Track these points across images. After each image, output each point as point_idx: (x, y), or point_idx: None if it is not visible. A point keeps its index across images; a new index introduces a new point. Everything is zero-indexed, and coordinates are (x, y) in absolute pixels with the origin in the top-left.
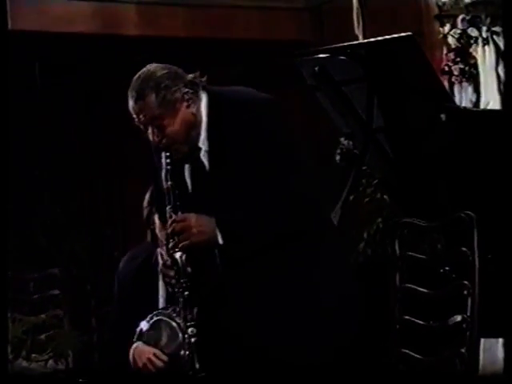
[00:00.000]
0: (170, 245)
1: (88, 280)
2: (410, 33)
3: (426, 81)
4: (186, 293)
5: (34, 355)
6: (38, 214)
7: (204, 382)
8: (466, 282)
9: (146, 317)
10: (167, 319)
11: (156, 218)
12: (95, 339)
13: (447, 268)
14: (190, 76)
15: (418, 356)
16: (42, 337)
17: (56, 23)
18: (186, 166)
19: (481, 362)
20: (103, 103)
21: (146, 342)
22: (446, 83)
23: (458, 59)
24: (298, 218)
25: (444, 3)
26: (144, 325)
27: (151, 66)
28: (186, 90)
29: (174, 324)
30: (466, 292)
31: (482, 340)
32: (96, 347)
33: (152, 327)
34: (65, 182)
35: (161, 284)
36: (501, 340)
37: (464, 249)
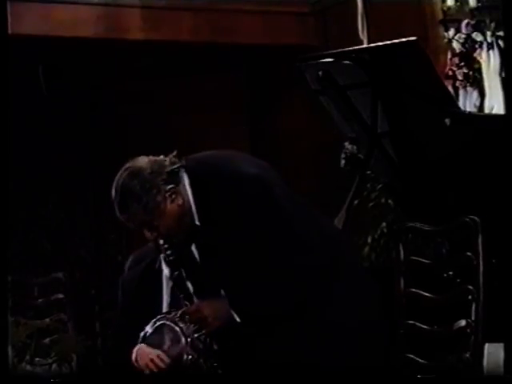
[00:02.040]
0: (193, 329)
1: (92, 284)
2: (414, 37)
3: (431, 85)
4: (220, 371)
5: (37, 359)
6: (42, 218)
7: None
8: (470, 287)
9: (150, 322)
10: (170, 323)
11: None
12: (99, 343)
13: (451, 273)
14: (168, 165)
15: (422, 361)
16: (46, 341)
17: (60, 27)
18: (194, 246)
19: (485, 366)
20: (107, 107)
21: (150, 345)
22: (450, 88)
23: (463, 64)
24: (304, 289)
25: (449, 8)
26: (148, 329)
27: (130, 167)
28: (168, 187)
29: (177, 328)
30: (470, 297)
31: (486, 344)
32: (100, 351)
33: (155, 331)
34: (69, 187)
35: (165, 289)
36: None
37: (468, 253)
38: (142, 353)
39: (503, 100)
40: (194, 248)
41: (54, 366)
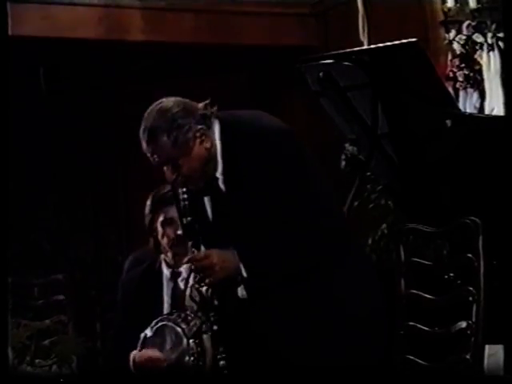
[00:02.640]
0: (195, 279)
1: (92, 285)
2: (415, 39)
3: (431, 87)
4: (215, 327)
5: (37, 361)
6: (42, 219)
7: None
8: (470, 288)
9: (150, 324)
10: (172, 325)
11: (158, 225)
12: (100, 345)
13: (452, 274)
14: (201, 109)
15: (422, 362)
16: (46, 342)
17: (60, 29)
18: (206, 199)
19: (485, 367)
20: (108, 109)
21: (151, 347)
22: (450, 89)
23: (463, 65)
24: (320, 249)
25: (449, 9)
26: (148, 331)
27: (162, 103)
28: (198, 126)
29: (178, 329)
30: (470, 298)
31: (487, 346)
32: (100, 353)
33: (156, 333)
34: (69, 188)
35: (165, 290)
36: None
37: (469, 255)
38: (141, 354)
39: (503, 101)
40: (206, 200)
41: (54, 367)
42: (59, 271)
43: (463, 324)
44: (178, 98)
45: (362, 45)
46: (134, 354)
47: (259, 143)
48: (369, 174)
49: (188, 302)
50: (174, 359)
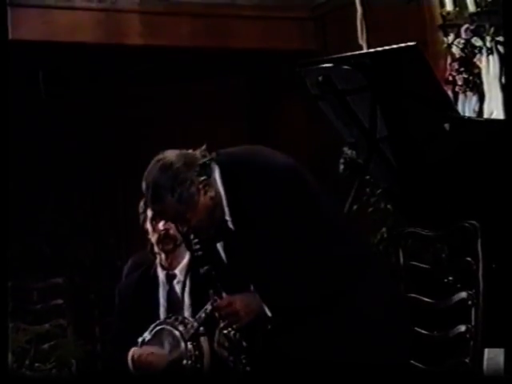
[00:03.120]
0: (222, 325)
1: (91, 289)
2: (414, 42)
3: (430, 90)
4: (248, 368)
5: (37, 364)
6: (41, 223)
7: None
8: (470, 292)
9: (148, 328)
10: (170, 328)
11: (148, 224)
12: (99, 348)
13: (451, 278)
14: (199, 158)
15: (422, 366)
16: (46, 346)
17: (59, 33)
18: (219, 244)
19: (484, 371)
20: (107, 112)
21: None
22: (449, 93)
23: (462, 69)
24: (337, 279)
25: (448, 13)
26: (146, 335)
27: (162, 159)
28: (200, 178)
29: (176, 332)
30: (469, 301)
31: (486, 349)
32: (99, 356)
33: (154, 336)
34: (68, 192)
35: (161, 294)
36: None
37: (468, 258)
38: (138, 353)
39: (503, 105)
40: (219, 246)
41: (53, 371)
42: (58, 275)
43: (462, 328)
44: (177, 152)
45: (361, 48)
46: (133, 350)
47: (260, 181)
48: (368, 177)
49: (218, 349)
50: (171, 362)
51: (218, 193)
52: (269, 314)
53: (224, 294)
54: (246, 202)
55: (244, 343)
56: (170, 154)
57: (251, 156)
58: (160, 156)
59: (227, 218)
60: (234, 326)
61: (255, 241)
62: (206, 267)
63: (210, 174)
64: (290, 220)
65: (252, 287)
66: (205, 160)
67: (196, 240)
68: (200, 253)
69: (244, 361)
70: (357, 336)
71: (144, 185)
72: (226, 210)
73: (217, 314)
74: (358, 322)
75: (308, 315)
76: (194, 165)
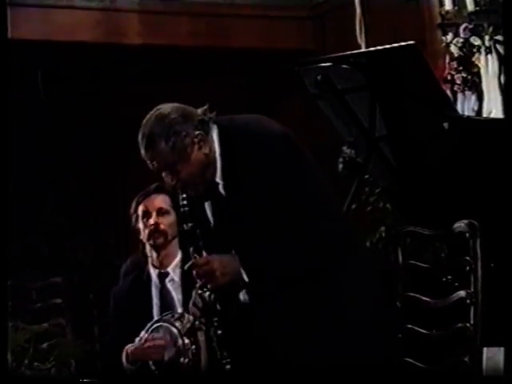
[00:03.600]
0: (198, 285)
1: (91, 289)
2: (412, 42)
3: (429, 89)
4: (219, 331)
5: (36, 364)
6: (40, 222)
7: None
8: (468, 291)
9: (146, 326)
10: (167, 325)
11: (139, 222)
12: (98, 348)
13: (450, 277)
14: (199, 114)
15: (420, 365)
16: (45, 345)
17: (58, 32)
18: (207, 204)
19: (484, 370)
20: (106, 112)
21: None
22: (448, 92)
23: (461, 68)
24: (319, 251)
25: (447, 12)
26: (143, 334)
27: (160, 109)
28: (197, 132)
29: (173, 329)
30: (468, 301)
31: (485, 348)
32: (99, 356)
33: (151, 334)
34: (68, 191)
35: (154, 294)
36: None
37: (467, 257)
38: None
39: (502, 104)
40: (207, 205)
41: (52, 370)
42: (57, 274)
43: (461, 326)
44: (176, 104)
45: (360, 48)
46: (128, 346)
47: (257, 147)
48: (367, 176)
49: (191, 308)
50: (169, 359)
51: (212, 152)
52: (245, 278)
53: (204, 254)
54: (239, 166)
55: (218, 306)
56: (169, 105)
57: (250, 123)
58: (159, 107)
59: (218, 180)
60: (209, 286)
61: (243, 206)
62: (190, 224)
63: (207, 131)
64: (281, 189)
65: (233, 251)
66: (203, 117)
67: (184, 195)
68: (186, 209)
69: (216, 324)
70: (337, 313)
71: (140, 134)
72: (219, 171)
73: (194, 272)
74: (340, 300)
75: (285, 286)
76: (192, 118)
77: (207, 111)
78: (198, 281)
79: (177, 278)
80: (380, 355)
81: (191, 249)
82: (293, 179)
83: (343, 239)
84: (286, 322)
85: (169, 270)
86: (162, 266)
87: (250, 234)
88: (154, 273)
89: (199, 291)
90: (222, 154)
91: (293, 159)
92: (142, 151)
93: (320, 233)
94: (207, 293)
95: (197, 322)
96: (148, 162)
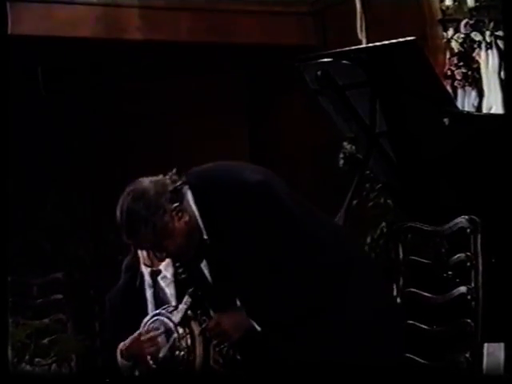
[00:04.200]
0: (214, 343)
1: (91, 284)
2: (413, 37)
3: (429, 85)
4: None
5: (37, 359)
6: (41, 218)
7: None
8: (469, 287)
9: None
10: (162, 318)
11: None
12: (98, 343)
13: (450, 272)
14: (170, 184)
15: (421, 360)
16: (45, 341)
17: (59, 28)
18: (203, 264)
19: (484, 366)
20: (106, 107)
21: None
22: (448, 87)
23: (461, 63)
24: (321, 288)
25: (447, 7)
26: (141, 329)
27: (132, 192)
28: (172, 205)
29: (167, 321)
30: (469, 296)
31: (486, 344)
32: (99, 351)
33: (148, 330)
34: (68, 187)
35: (148, 293)
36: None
37: (468, 253)
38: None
39: (502, 99)
40: (203, 265)
41: (53, 366)
42: (58, 270)
43: (462, 322)
44: (147, 181)
45: (360, 43)
46: (121, 345)
47: (232, 199)
48: (367, 172)
49: (213, 365)
50: (165, 352)
51: (192, 216)
52: (258, 328)
53: (212, 313)
54: (220, 220)
55: (238, 357)
56: (140, 184)
57: (222, 173)
58: (131, 187)
59: (206, 237)
60: (227, 345)
61: (235, 257)
62: (191, 289)
63: (182, 199)
64: (266, 234)
65: (238, 302)
66: (175, 185)
67: (178, 264)
68: (183, 276)
69: (240, 374)
70: (347, 343)
71: (118, 217)
72: (204, 231)
73: (207, 335)
74: (348, 328)
75: (296, 327)
76: (165, 192)
77: (176, 176)
78: (214, 341)
79: (169, 275)
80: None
81: (199, 312)
82: (274, 223)
83: (342, 267)
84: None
85: (160, 267)
86: (153, 264)
87: (248, 283)
88: (146, 272)
89: (217, 349)
90: (201, 214)
91: (270, 203)
92: (124, 237)
93: (315, 268)
94: (225, 348)
95: (189, 312)
96: (133, 246)
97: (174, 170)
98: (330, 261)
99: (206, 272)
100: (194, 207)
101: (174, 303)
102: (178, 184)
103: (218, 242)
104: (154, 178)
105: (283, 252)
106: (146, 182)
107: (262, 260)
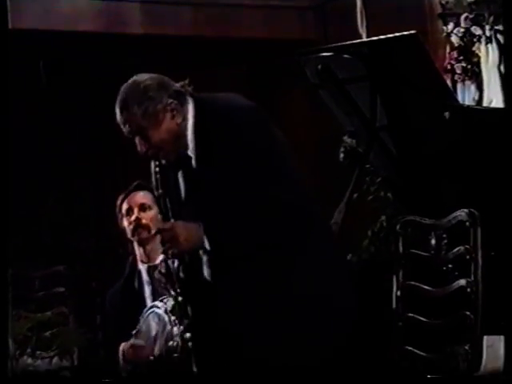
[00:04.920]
0: (162, 250)
1: (93, 277)
2: (413, 31)
3: (429, 79)
4: (180, 298)
5: (39, 352)
6: (42, 211)
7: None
8: (469, 280)
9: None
10: (155, 309)
11: (124, 220)
12: (100, 336)
13: (450, 265)
14: (177, 85)
15: (421, 353)
16: (47, 334)
17: (60, 21)
18: (180, 174)
19: (484, 358)
20: (108, 103)
21: (139, 332)
22: (449, 81)
23: (461, 57)
24: (281, 229)
25: (447, 1)
26: (140, 324)
27: (137, 76)
28: (170, 100)
29: (160, 311)
30: (469, 289)
31: (485, 337)
32: (101, 344)
33: (144, 323)
34: (70, 181)
35: (146, 289)
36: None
37: (467, 246)
38: (125, 345)
39: (502, 93)
40: (180, 176)
41: (55, 358)
42: (60, 263)
43: (461, 315)
44: (155, 74)
45: (361, 37)
46: (122, 345)
47: (227, 120)
48: (368, 166)
49: (157, 274)
50: (160, 344)
51: (185, 122)
52: (208, 247)
53: (172, 220)
54: (212, 139)
55: (181, 274)
56: (147, 74)
57: (225, 99)
58: (136, 75)
59: (190, 153)
60: (171, 251)
61: (213, 178)
62: (160, 191)
63: (182, 103)
64: (248, 161)
65: (200, 221)
66: (181, 89)
67: (156, 163)
68: (158, 176)
69: (179, 290)
70: (296, 289)
71: (117, 98)
72: (191, 143)
73: (159, 238)
74: (296, 276)
75: (246, 257)
76: (167, 88)
77: (186, 85)
78: (163, 246)
79: (164, 270)
80: (338, 329)
81: (159, 216)
82: (260, 151)
83: (305, 212)
84: (245, 298)
85: (157, 262)
86: (150, 260)
87: (217, 205)
88: (143, 268)
89: (163, 256)
90: (195, 127)
91: (261, 130)
92: (117, 113)
93: (282, 205)
94: (171, 260)
95: (180, 298)
96: (121, 126)
97: (187, 80)
98: (301, 203)
99: (181, 183)
100: (190, 116)
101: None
102: (185, 89)
103: (201, 158)
104: (164, 76)
105: (258, 181)
106: (155, 74)
107: (237, 183)
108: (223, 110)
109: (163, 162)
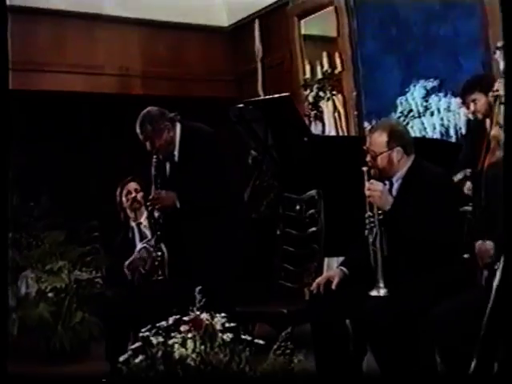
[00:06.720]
0: (151, 208)
1: (108, 229)
2: (287, 93)
3: (296, 120)
4: (159, 232)
5: (84, 269)
6: (87, 193)
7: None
8: (318, 227)
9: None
10: (147, 245)
11: (123, 197)
12: (114, 260)
13: (307, 220)
14: (171, 115)
15: (290, 267)
16: (88, 259)
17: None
18: (167, 164)
19: (324, 270)
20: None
21: (137, 259)
22: (306, 121)
23: (314, 108)
24: (217, 198)
25: (306, 78)
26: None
27: (149, 108)
28: (167, 123)
29: (149, 248)
30: (317, 232)
31: (326, 258)
32: (116, 264)
33: (138, 253)
34: (93, 176)
35: (136, 238)
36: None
37: (315, 210)
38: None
39: (335, 129)
40: (167, 165)
41: (93, 272)
42: (94, 219)
43: (312, 246)
44: (159, 108)
45: (259, 96)
46: (126, 263)
47: (199, 138)
48: (263, 166)
49: (144, 229)
50: (148, 266)
51: (175, 136)
52: (178, 205)
53: (158, 191)
54: (189, 146)
55: (161, 221)
56: (153, 108)
57: (198, 125)
58: (147, 108)
59: (175, 153)
60: (157, 206)
61: (186, 167)
62: (155, 172)
63: (174, 125)
64: (207, 161)
65: (176, 191)
66: (173, 117)
67: (156, 157)
68: (155, 164)
69: (159, 232)
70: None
71: (137, 122)
72: (177, 148)
73: (149, 203)
74: (227, 226)
75: (200, 213)
76: (165, 116)
77: (176, 115)
78: (152, 205)
79: (146, 223)
80: (235, 259)
81: (153, 187)
82: (212, 155)
83: (230, 192)
84: (199, 236)
85: (141, 220)
86: (137, 219)
87: (185, 183)
88: (134, 225)
89: (150, 208)
90: (180, 139)
91: (214, 144)
92: (138, 130)
93: (220, 185)
94: (156, 213)
95: (159, 233)
96: (139, 135)
97: (176, 113)
98: (229, 189)
99: (167, 170)
100: (177, 132)
101: (150, 237)
102: (175, 117)
103: (181, 156)
104: (163, 109)
105: (209, 170)
106: (159, 108)
107: (197, 171)
108: (196, 131)
109: (160, 157)
